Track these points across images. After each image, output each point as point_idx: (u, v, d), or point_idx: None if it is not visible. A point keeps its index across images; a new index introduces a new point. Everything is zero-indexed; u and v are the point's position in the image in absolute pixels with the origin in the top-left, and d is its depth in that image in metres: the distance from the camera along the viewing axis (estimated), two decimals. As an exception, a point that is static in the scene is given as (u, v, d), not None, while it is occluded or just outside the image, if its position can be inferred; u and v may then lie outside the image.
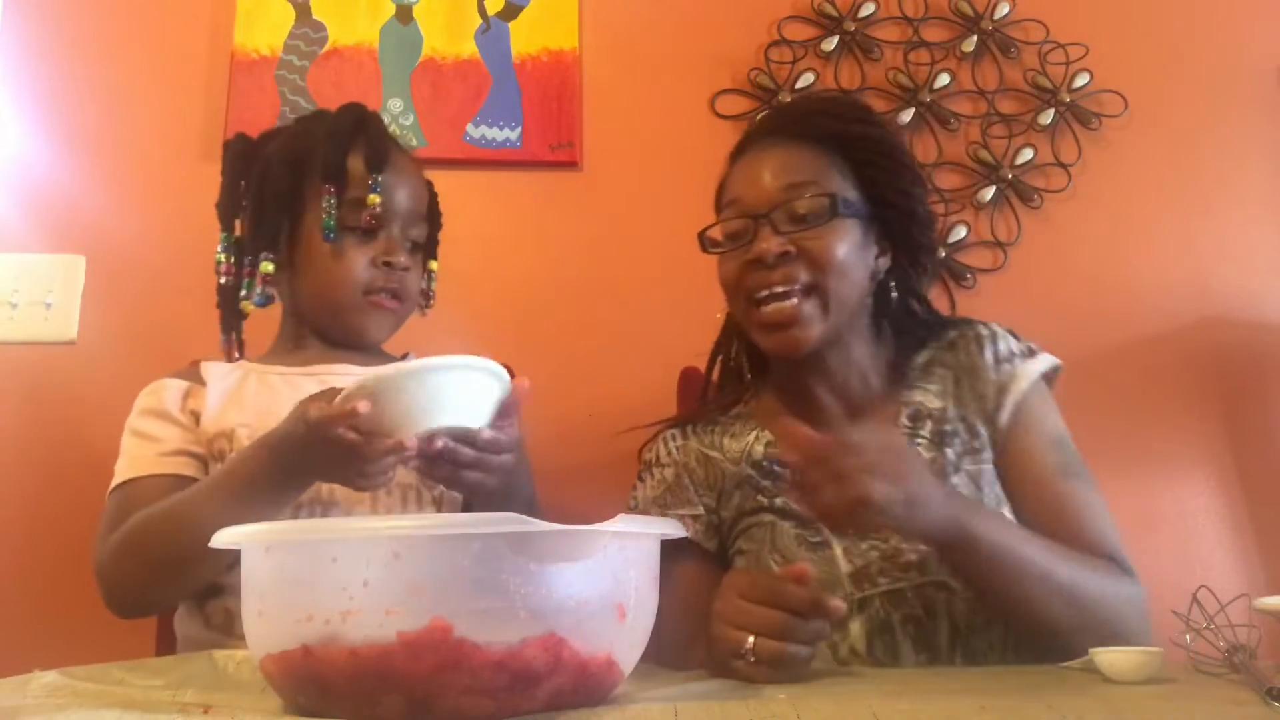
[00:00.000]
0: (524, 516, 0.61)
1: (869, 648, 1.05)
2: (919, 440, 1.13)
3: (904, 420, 1.15)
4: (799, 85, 1.85)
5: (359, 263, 1.18)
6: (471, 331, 1.62)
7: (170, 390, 1.17)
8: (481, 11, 1.86)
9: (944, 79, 1.87)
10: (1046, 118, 1.87)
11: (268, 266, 1.19)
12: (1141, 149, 1.88)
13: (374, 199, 1.17)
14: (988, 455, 1.13)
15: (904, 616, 1.05)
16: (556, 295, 1.76)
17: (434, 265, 1.30)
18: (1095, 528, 1.07)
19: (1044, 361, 1.16)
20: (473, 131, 1.80)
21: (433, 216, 1.30)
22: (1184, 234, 1.85)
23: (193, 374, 1.21)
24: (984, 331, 1.18)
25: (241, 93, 1.77)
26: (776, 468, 1.15)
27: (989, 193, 1.84)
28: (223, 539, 0.69)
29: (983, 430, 1.13)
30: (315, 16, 1.83)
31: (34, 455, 1.64)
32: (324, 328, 1.23)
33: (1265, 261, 1.85)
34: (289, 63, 1.80)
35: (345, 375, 1.18)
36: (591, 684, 0.66)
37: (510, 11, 1.86)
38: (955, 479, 1.10)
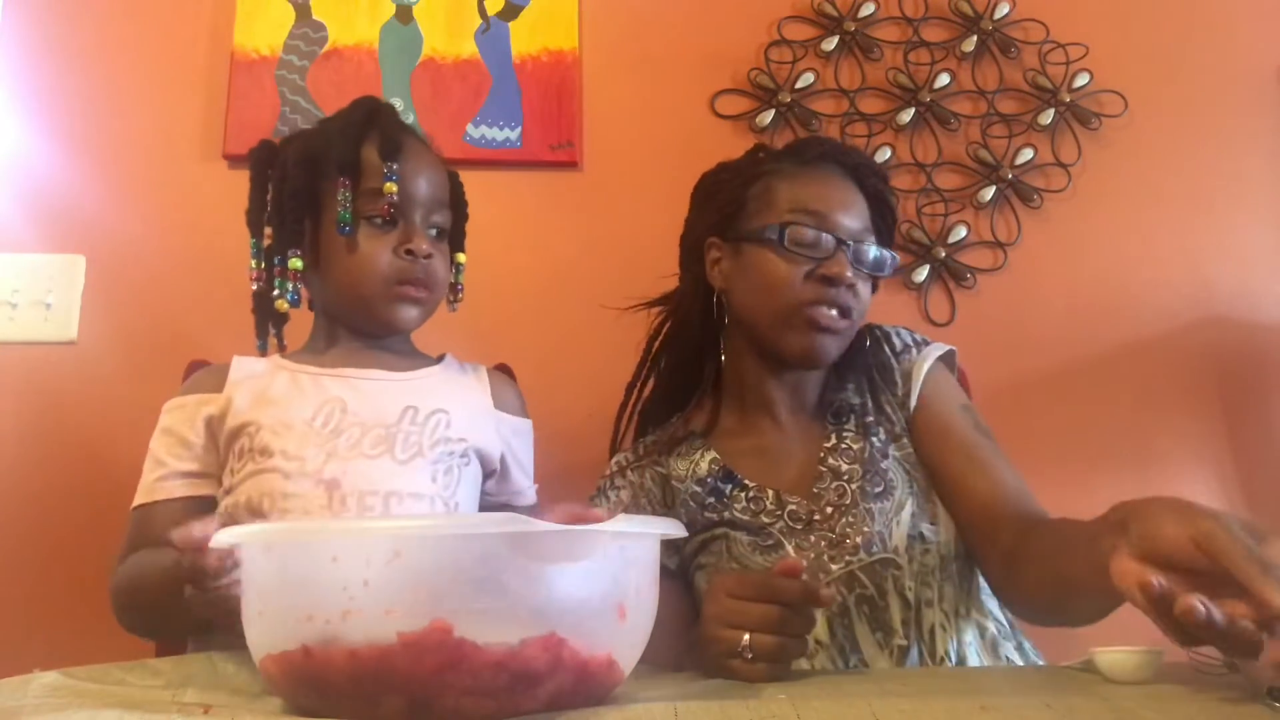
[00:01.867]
0: (524, 516, 0.61)
1: (830, 634, 1.10)
2: (846, 432, 1.22)
3: (829, 417, 1.24)
4: (799, 85, 1.85)
5: (382, 254, 1.16)
6: (472, 331, 1.62)
7: (183, 408, 1.16)
8: (481, 11, 1.86)
9: (944, 79, 1.87)
10: (1046, 118, 1.87)
11: (296, 263, 1.17)
12: (1141, 149, 1.88)
13: (390, 187, 1.15)
14: (907, 440, 1.21)
15: (858, 598, 1.10)
16: (556, 295, 1.76)
17: (461, 258, 1.29)
18: (1015, 479, 1.15)
19: (938, 347, 1.27)
20: (473, 131, 1.80)
21: (457, 205, 1.28)
22: (1184, 234, 1.86)
23: (214, 380, 1.18)
24: (879, 332, 1.29)
25: (241, 93, 1.77)
26: (720, 484, 1.21)
27: (989, 193, 1.84)
28: (224, 539, 0.69)
29: (898, 418, 1.23)
30: (315, 16, 1.83)
31: (34, 455, 1.64)
32: (354, 322, 1.22)
33: (1265, 261, 1.85)
34: (289, 63, 1.80)
35: (374, 379, 1.18)
36: (592, 684, 0.66)
37: (510, 11, 1.86)
38: (885, 464, 1.18)
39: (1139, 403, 1.78)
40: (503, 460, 1.24)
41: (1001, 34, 1.90)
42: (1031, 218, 1.85)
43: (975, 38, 1.89)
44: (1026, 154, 1.85)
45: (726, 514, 1.18)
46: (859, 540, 1.12)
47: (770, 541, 1.15)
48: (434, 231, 1.21)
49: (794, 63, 1.86)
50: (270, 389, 1.16)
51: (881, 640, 1.09)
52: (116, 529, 1.15)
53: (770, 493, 1.18)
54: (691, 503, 1.21)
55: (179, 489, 1.12)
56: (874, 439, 1.20)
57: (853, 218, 1.21)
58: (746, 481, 1.20)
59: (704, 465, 1.23)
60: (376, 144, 1.18)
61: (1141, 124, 1.89)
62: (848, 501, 1.15)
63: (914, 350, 1.26)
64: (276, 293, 1.19)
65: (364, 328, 1.21)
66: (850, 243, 1.19)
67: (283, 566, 0.65)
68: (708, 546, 1.19)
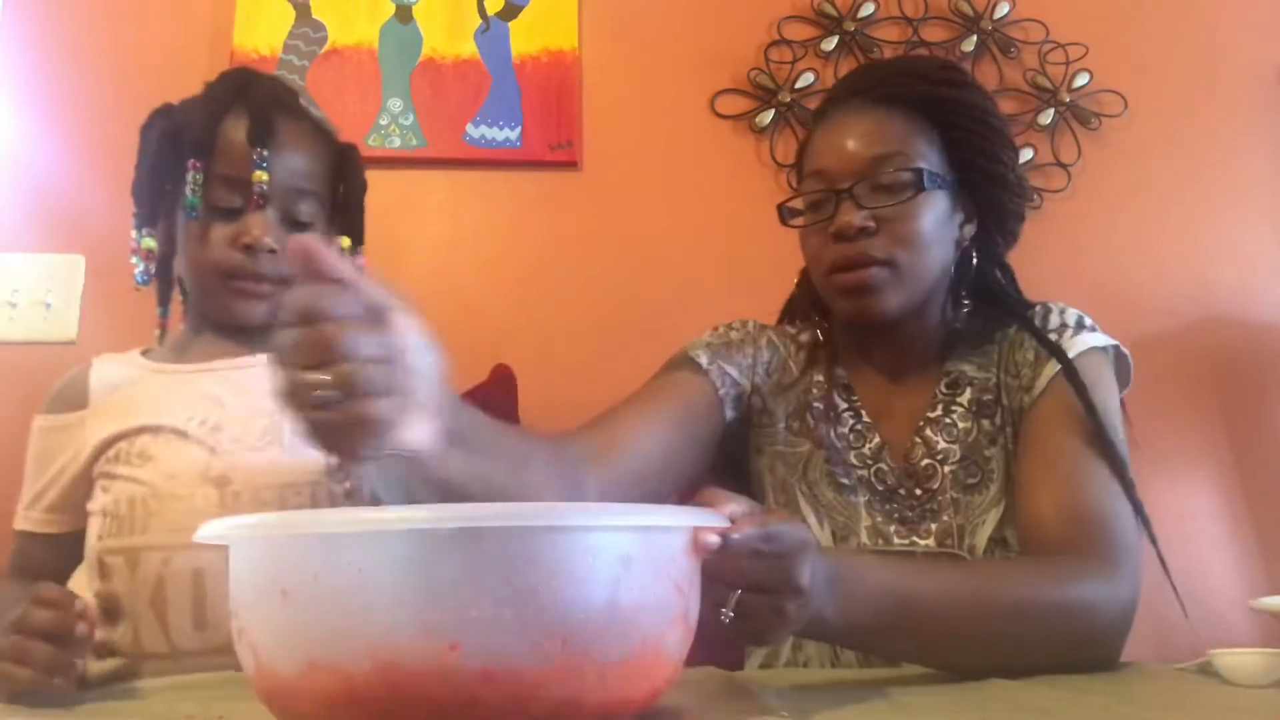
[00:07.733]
0: (502, 513, 0.55)
1: None
2: (955, 408, 1.10)
3: (942, 387, 1.12)
4: (799, 85, 1.85)
5: (218, 245, 1.06)
6: (471, 331, 1.62)
7: (47, 434, 1.12)
8: (481, 11, 1.86)
9: (944, 79, 1.87)
10: (1046, 118, 1.86)
11: (149, 242, 1.12)
12: (1141, 149, 1.88)
13: (260, 175, 1.05)
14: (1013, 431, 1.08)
15: None
16: (556, 295, 1.76)
17: (346, 242, 1.16)
18: (1085, 501, 0.98)
19: (1100, 337, 1.09)
20: (472, 131, 1.79)
21: (350, 185, 1.16)
22: (1184, 234, 1.86)
23: (75, 394, 1.12)
24: (1044, 309, 1.14)
25: (241, 93, 1.77)
26: (836, 397, 1.13)
27: (989, 193, 1.84)
28: (205, 535, 0.64)
29: (1015, 403, 1.08)
30: (315, 16, 1.83)
31: (34, 455, 1.64)
32: (205, 312, 1.13)
33: (1265, 261, 1.85)
34: (289, 63, 1.80)
35: (246, 368, 1.09)
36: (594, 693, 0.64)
37: (510, 11, 1.86)
38: (990, 452, 1.07)
39: (1139, 403, 1.77)
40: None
41: (1001, 34, 1.90)
42: (1031, 218, 1.83)
43: (975, 38, 1.89)
44: (1026, 154, 1.85)
45: (822, 431, 1.12)
46: (933, 526, 1.06)
47: (848, 482, 1.09)
48: (291, 224, 1.10)
49: (794, 63, 1.86)
50: (136, 398, 1.09)
51: None
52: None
53: (876, 438, 1.11)
54: (801, 402, 1.15)
55: (45, 524, 1.09)
56: (984, 421, 1.09)
57: (865, 146, 1.07)
58: (864, 413, 1.13)
59: (821, 376, 1.15)
60: (242, 125, 1.07)
61: (1141, 124, 1.89)
62: (935, 485, 1.07)
63: (1065, 333, 1.09)
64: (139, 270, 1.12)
65: (214, 319, 1.13)
66: (851, 185, 1.05)
67: (252, 569, 0.60)
68: (784, 456, 1.13)
